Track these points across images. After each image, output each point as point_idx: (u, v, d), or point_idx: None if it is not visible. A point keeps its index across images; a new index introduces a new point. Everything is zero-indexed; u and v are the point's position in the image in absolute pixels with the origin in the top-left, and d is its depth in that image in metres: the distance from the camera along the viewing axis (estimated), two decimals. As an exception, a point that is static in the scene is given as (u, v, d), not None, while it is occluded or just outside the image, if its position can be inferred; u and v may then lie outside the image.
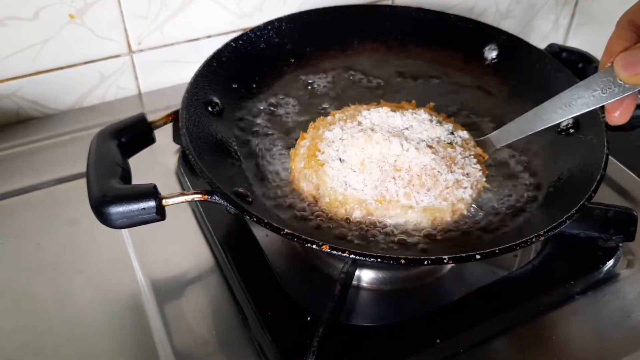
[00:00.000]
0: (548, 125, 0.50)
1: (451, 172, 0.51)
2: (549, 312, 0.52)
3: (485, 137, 0.57)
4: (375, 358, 0.47)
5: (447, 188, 0.51)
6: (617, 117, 0.44)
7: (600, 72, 0.44)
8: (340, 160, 0.52)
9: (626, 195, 0.64)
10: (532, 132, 0.51)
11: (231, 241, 0.56)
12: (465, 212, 0.52)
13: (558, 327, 0.51)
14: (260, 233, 0.57)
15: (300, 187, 0.54)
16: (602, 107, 0.45)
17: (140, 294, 0.53)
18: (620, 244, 0.56)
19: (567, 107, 0.47)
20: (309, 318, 0.48)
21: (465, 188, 0.51)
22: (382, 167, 0.51)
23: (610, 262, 0.55)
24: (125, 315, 0.51)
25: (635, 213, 0.54)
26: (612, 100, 0.43)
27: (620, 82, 0.42)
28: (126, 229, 0.58)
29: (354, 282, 0.53)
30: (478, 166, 0.54)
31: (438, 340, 0.48)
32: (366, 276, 0.54)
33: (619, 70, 0.41)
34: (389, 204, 0.50)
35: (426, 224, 0.50)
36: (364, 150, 0.52)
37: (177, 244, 0.58)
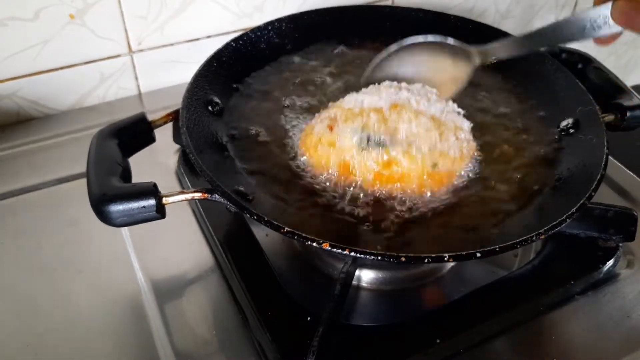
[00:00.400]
0: (534, 50, 0.52)
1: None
2: (548, 312, 0.52)
3: (473, 47, 0.58)
4: (375, 358, 0.47)
5: (448, 110, 0.56)
6: (605, 40, 0.45)
7: (595, 8, 0.45)
8: (356, 93, 0.58)
9: (626, 196, 0.64)
10: (517, 55, 0.54)
11: (231, 241, 0.56)
12: (465, 155, 0.54)
13: (558, 327, 0.51)
14: (261, 233, 0.57)
15: (312, 146, 0.55)
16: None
17: (141, 294, 0.53)
18: (620, 244, 0.56)
19: (558, 36, 0.49)
20: (309, 318, 0.48)
21: (462, 121, 0.56)
22: (393, 85, 0.58)
23: (610, 262, 0.55)
24: (125, 315, 0.51)
25: (635, 213, 0.54)
26: (603, 34, 0.44)
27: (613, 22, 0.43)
28: (126, 229, 0.58)
29: (354, 282, 0.53)
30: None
31: (438, 340, 0.48)
32: (366, 276, 0.54)
33: (617, 19, 0.42)
34: (402, 109, 0.54)
35: (435, 139, 0.52)
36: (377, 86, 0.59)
37: (177, 244, 0.58)
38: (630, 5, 0.41)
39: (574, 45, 0.72)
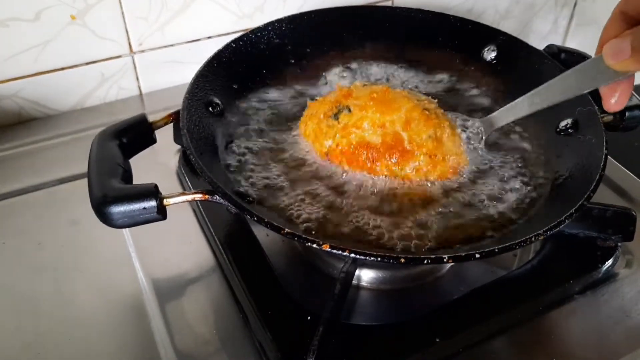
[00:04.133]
0: (540, 108, 0.52)
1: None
2: (548, 311, 0.52)
3: (484, 118, 0.59)
4: (375, 357, 0.47)
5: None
6: (614, 103, 0.45)
7: (592, 58, 0.45)
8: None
9: (625, 195, 0.65)
10: (525, 115, 0.54)
11: (232, 241, 0.56)
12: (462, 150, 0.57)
13: (557, 326, 0.51)
14: (261, 233, 0.57)
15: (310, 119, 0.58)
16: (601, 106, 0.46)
17: (142, 293, 0.53)
18: (619, 244, 0.56)
19: (562, 91, 0.50)
20: (309, 317, 0.48)
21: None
22: None
23: (609, 262, 0.55)
24: (126, 315, 0.51)
25: (634, 213, 0.54)
26: (603, 84, 0.44)
27: (610, 68, 0.42)
28: (127, 229, 0.58)
29: (354, 282, 0.53)
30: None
31: (438, 340, 0.48)
32: (366, 276, 0.54)
33: (607, 57, 0.42)
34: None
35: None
36: None
37: (178, 244, 0.58)
38: (618, 44, 0.40)
39: (574, 45, 0.72)
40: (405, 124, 0.55)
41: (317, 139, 0.57)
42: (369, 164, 0.55)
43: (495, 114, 0.58)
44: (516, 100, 0.55)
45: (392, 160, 0.54)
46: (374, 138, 0.55)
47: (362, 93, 0.58)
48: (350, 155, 0.55)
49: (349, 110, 0.56)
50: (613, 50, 0.41)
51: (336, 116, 0.57)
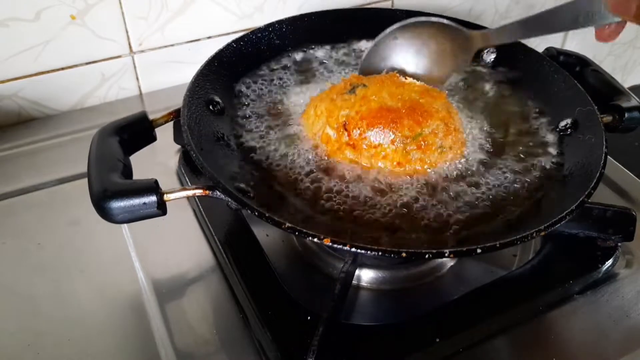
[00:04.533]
0: (533, 36, 0.53)
1: None
2: (548, 311, 0.52)
3: (474, 30, 0.60)
4: (375, 357, 0.47)
5: None
6: (606, 35, 0.44)
7: None
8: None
9: (625, 196, 0.65)
10: (517, 40, 0.55)
11: (232, 241, 0.56)
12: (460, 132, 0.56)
13: (557, 326, 0.51)
14: (261, 233, 0.57)
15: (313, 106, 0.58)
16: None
17: (141, 293, 0.53)
18: (619, 244, 0.56)
19: (555, 23, 0.49)
20: (309, 317, 0.48)
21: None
22: None
23: (609, 262, 0.56)
24: (126, 315, 0.51)
25: (634, 213, 0.55)
26: (598, 25, 0.44)
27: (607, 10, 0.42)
28: (127, 229, 0.58)
29: (354, 282, 0.53)
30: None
31: (438, 340, 0.48)
32: (366, 276, 0.54)
33: (609, 3, 0.41)
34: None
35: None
36: None
37: (178, 243, 0.58)
38: None
39: (573, 48, 0.72)
40: (421, 93, 0.57)
41: (331, 114, 0.57)
42: (390, 125, 0.54)
43: (485, 31, 0.58)
44: (509, 23, 0.54)
45: (413, 119, 0.54)
46: (393, 103, 0.56)
47: (371, 77, 0.59)
48: (372, 118, 0.54)
49: (365, 86, 0.57)
50: (617, 2, 0.40)
51: (352, 91, 0.57)
